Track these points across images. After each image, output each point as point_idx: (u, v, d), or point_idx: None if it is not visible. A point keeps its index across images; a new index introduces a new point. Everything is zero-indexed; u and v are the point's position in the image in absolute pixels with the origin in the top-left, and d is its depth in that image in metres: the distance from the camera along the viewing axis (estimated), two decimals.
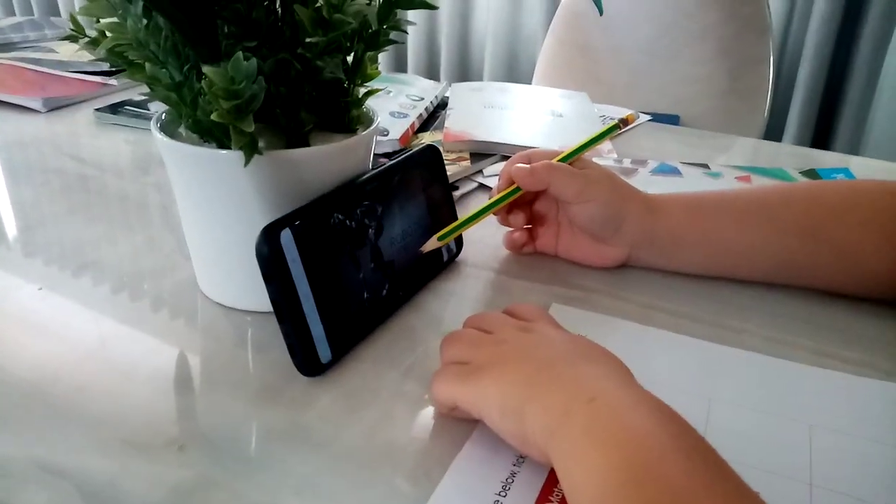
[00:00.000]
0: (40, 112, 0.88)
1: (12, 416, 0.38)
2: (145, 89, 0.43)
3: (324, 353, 0.41)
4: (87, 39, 0.42)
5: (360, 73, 0.46)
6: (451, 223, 0.52)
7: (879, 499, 0.33)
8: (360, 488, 0.34)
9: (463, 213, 0.53)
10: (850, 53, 1.57)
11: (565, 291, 0.51)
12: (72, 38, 0.43)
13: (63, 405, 0.38)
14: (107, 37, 0.40)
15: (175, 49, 0.40)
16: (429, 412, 0.39)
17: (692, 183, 0.71)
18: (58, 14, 2.49)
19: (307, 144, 0.44)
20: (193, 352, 0.44)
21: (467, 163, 0.72)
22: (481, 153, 0.75)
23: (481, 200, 0.66)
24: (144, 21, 0.39)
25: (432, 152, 0.52)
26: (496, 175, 0.70)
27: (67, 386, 0.40)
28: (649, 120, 0.94)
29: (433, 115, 0.89)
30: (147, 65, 0.40)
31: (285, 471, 0.34)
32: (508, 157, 0.64)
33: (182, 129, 0.45)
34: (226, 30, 0.41)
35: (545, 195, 0.56)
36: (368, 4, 0.41)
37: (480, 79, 2.00)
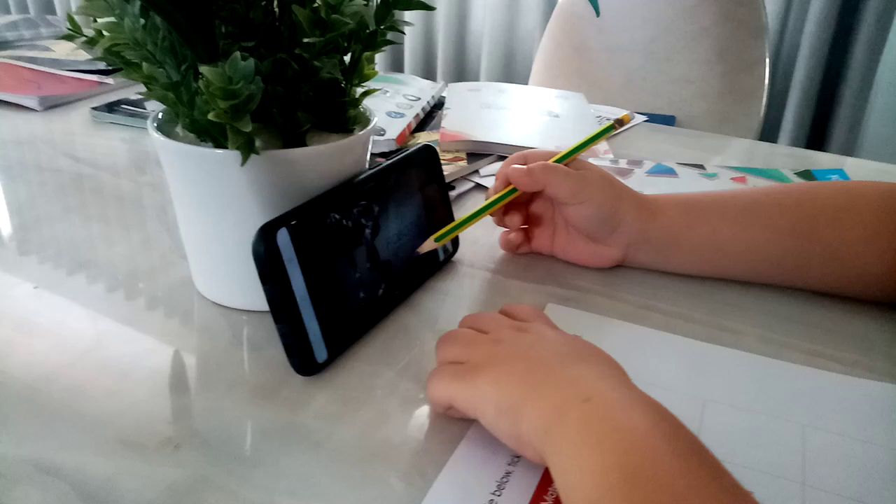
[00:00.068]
0: (36, 110, 0.88)
1: (7, 416, 0.38)
2: (142, 88, 0.43)
3: (320, 352, 0.41)
4: (84, 39, 0.42)
5: (358, 73, 0.46)
6: (447, 223, 0.52)
7: (872, 498, 0.34)
8: (356, 487, 0.34)
9: (459, 212, 0.54)
10: (845, 55, 1.58)
11: (561, 291, 0.52)
12: (69, 38, 0.43)
13: (58, 404, 0.38)
14: (104, 36, 0.40)
15: (172, 49, 0.40)
16: (424, 412, 0.39)
17: (688, 184, 0.72)
18: (54, 12, 2.49)
19: (304, 144, 0.44)
20: (189, 351, 0.44)
21: (464, 163, 0.72)
22: (478, 153, 0.75)
23: (478, 200, 0.66)
24: (142, 21, 0.39)
25: (429, 152, 0.52)
26: (492, 175, 0.70)
27: (63, 385, 0.40)
28: (645, 121, 0.94)
29: (430, 115, 0.89)
30: (144, 64, 0.40)
31: (281, 470, 0.34)
32: (505, 158, 0.64)
33: (179, 129, 0.45)
34: (223, 29, 0.41)
35: (541, 196, 0.56)
36: (366, 5, 0.41)
37: (477, 79, 2.01)
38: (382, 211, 0.46)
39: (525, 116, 0.88)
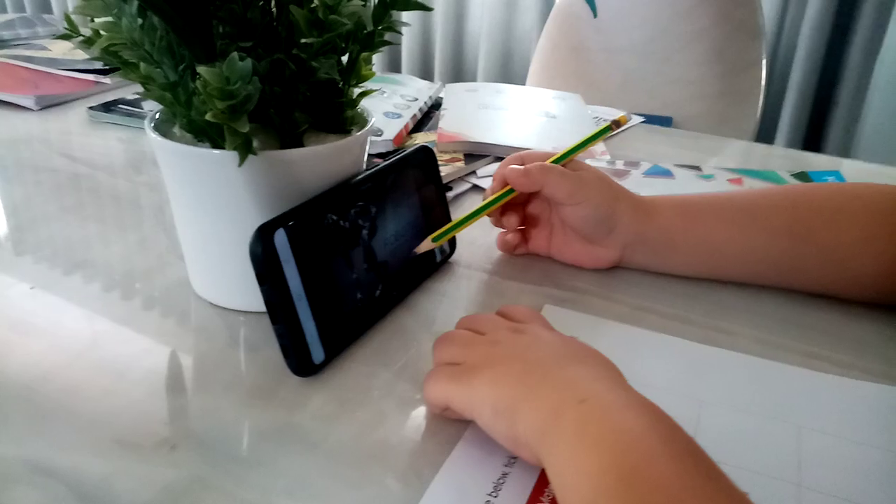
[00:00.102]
0: (33, 110, 0.88)
1: (4, 416, 0.38)
2: (139, 88, 0.43)
3: (317, 353, 0.41)
4: (81, 38, 0.42)
5: (355, 73, 0.46)
6: (444, 224, 0.52)
7: (867, 500, 0.34)
8: (352, 488, 0.34)
9: (456, 213, 0.54)
10: (841, 57, 1.58)
11: (557, 293, 0.52)
12: (66, 37, 0.43)
13: (55, 404, 0.38)
14: (101, 36, 0.40)
15: (170, 49, 0.40)
16: (421, 412, 0.39)
17: (684, 185, 0.72)
18: (50, 11, 2.48)
19: (301, 145, 0.44)
20: (186, 352, 0.44)
21: (461, 163, 0.72)
22: (475, 154, 0.76)
23: (475, 201, 0.66)
24: (139, 20, 0.39)
25: (426, 153, 0.52)
26: (490, 176, 0.70)
27: (59, 385, 0.40)
28: (642, 122, 0.94)
29: (427, 116, 0.89)
30: (142, 64, 0.40)
31: (277, 471, 0.34)
32: (502, 159, 0.64)
33: (176, 129, 0.45)
34: (221, 30, 0.41)
35: (538, 196, 0.56)
36: (364, 5, 0.41)
37: (474, 79, 2.01)
38: (380, 212, 0.46)
39: (522, 117, 0.88)
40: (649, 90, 1.35)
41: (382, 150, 0.74)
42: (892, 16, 1.51)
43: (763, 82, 1.28)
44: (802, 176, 0.74)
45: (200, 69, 0.35)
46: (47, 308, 0.47)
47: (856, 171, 0.78)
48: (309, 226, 0.41)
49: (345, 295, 0.43)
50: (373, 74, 0.47)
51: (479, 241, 0.58)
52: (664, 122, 1.31)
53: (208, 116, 0.36)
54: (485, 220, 0.55)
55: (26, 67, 1.01)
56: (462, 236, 0.55)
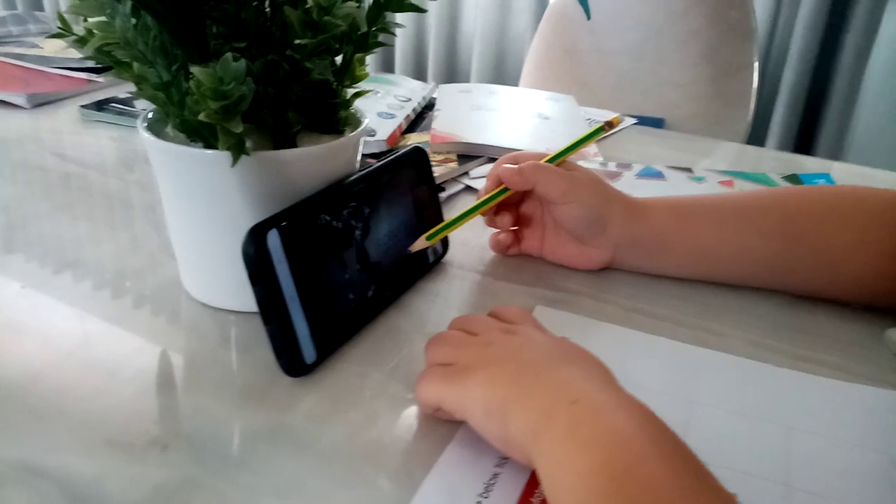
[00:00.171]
0: (24, 108, 0.88)
1: None
2: (131, 87, 0.43)
3: (308, 353, 0.41)
4: (74, 37, 0.42)
5: (349, 74, 0.46)
6: (437, 224, 0.52)
7: (855, 500, 0.34)
8: (344, 489, 0.34)
9: (449, 214, 0.54)
10: (833, 60, 1.59)
11: (550, 293, 0.52)
12: (59, 36, 0.43)
13: (45, 405, 0.38)
14: (94, 35, 0.39)
15: (163, 48, 0.40)
16: (413, 413, 0.39)
17: (676, 187, 0.72)
18: (41, 9, 2.47)
19: (295, 145, 0.44)
20: (177, 351, 0.43)
21: (454, 164, 0.72)
22: (468, 155, 0.76)
23: (467, 202, 0.66)
24: (133, 20, 0.39)
25: (419, 154, 0.52)
26: (483, 177, 0.71)
27: (50, 385, 0.40)
28: (635, 123, 0.95)
29: (420, 116, 0.89)
30: (135, 64, 0.40)
31: (268, 471, 0.35)
32: (495, 160, 0.64)
33: (169, 129, 0.45)
34: (215, 30, 0.41)
35: (531, 196, 0.56)
36: (358, 7, 0.41)
37: (467, 80, 2.01)
38: (373, 212, 0.46)
39: (515, 118, 0.88)
40: (642, 92, 1.36)
41: (376, 150, 0.74)
42: (883, 20, 1.52)
43: (755, 84, 1.28)
44: (793, 178, 0.75)
45: (194, 69, 0.35)
46: (38, 307, 0.47)
47: (846, 173, 0.79)
48: (302, 226, 0.41)
49: (337, 295, 0.43)
50: (366, 75, 0.47)
51: (471, 242, 0.58)
52: (656, 123, 1.32)
53: (202, 117, 0.36)
54: (477, 221, 0.55)
55: (18, 65, 1.01)
56: (455, 237, 0.55)
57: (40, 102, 0.89)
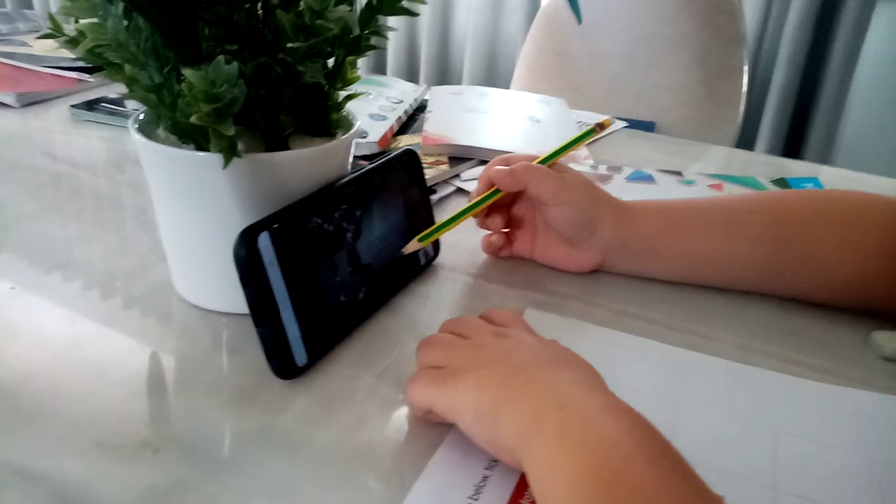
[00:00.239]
0: (14, 107, 0.87)
1: None
2: (122, 87, 0.42)
3: (300, 356, 0.41)
4: (65, 38, 0.42)
5: (341, 77, 0.46)
6: (428, 227, 0.52)
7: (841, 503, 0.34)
8: (334, 491, 0.34)
9: (440, 216, 0.54)
10: (821, 64, 1.60)
11: (540, 296, 0.52)
12: (50, 36, 0.43)
13: (35, 407, 0.38)
14: (86, 37, 0.39)
15: (155, 50, 0.40)
16: (403, 415, 0.39)
17: (666, 190, 0.72)
18: (31, 7, 2.45)
19: (286, 148, 0.44)
20: (168, 353, 0.43)
21: (445, 166, 0.72)
22: (459, 157, 0.76)
23: (459, 204, 0.66)
24: (125, 22, 0.39)
25: (410, 157, 0.52)
26: (474, 179, 0.71)
27: (40, 387, 0.40)
28: (625, 126, 0.95)
29: (412, 118, 0.89)
30: (126, 66, 0.40)
31: (259, 474, 0.35)
32: (486, 162, 0.65)
33: (160, 130, 0.45)
34: (206, 32, 0.41)
35: (523, 198, 0.56)
36: (350, 10, 0.41)
37: (459, 81, 2.01)
38: (364, 215, 0.46)
39: (507, 121, 0.88)
40: (633, 95, 1.36)
41: (367, 152, 0.74)
42: (871, 24, 1.54)
43: (744, 88, 1.29)
44: (781, 182, 0.75)
45: (186, 72, 0.35)
46: (28, 309, 0.47)
47: (834, 177, 0.80)
48: (293, 229, 0.41)
49: (328, 298, 0.43)
50: (358, 78, 0.47)
51: (462, 245, 0.59)
52: (647, 126, 1.32)
53: (193, 119, 0.36)
54: (468, 224, 0.56)
55: (7, 64, 1.00)
56: (446, 239, 0.55)
57: (30, 102, 0.89)
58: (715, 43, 1.30)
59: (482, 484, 0.34)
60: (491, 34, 1.93)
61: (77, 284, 0.50)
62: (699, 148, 0.90)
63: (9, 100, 0.87)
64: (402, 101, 0.89)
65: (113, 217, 0.61)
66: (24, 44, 1.11)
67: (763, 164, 0.86)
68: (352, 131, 0.47)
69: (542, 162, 0.54)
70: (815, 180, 0.76)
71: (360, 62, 0.48)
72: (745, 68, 1.28)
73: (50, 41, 0.42)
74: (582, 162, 0.79)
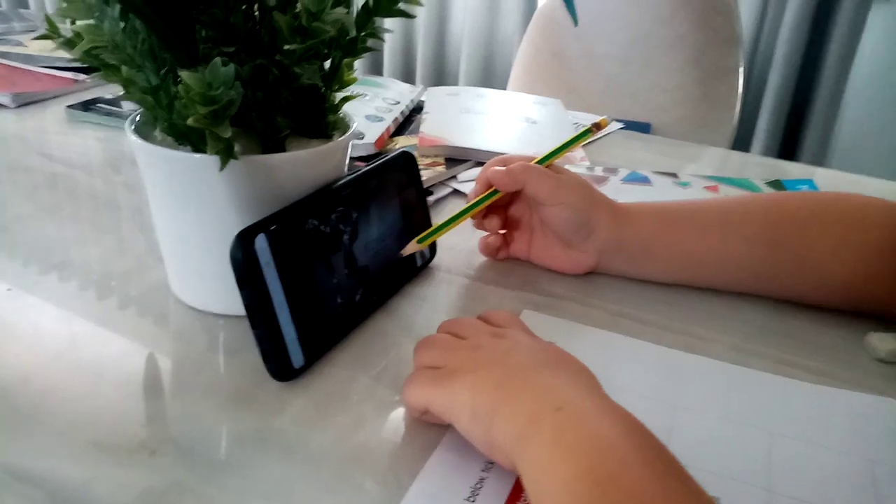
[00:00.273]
0: (9, 108, 0.87)
1: None
2: (119, 87, 0.42)
3: (296, 358, 0.41)
4: (62, 39, 0.42)
5: (338, 79, 0.46)
6: (425, 228, 0.52)
7: None
8: (331, 493, 0.34)
9: (437, 218, 0.54)
10: (817, 65, 1.61)
11: (537, 298, 0.52)
12: (46, 38, 0.43)
13: (32, 408, 0.38)
14: (83, 38, 0.39)
15: (152, 52, 0.40)
16: (400, 417, 0.39)
17: (662, 192, 0.73)
18: (27, 6, 2.45)
19: (283, 149, 0.44)
20: (165, 355, 0.43)
21: (442, 168, 0.73)
22: (456, 158, 0.76)
23: (455, 205, 0.67)
24: (121, 24, 0.39)
25: (407, 158, 0.52)
26: (470, 181, 0.71)
27: (36, 389, 0.40)
28: (621, 128, 0.95)
29: (409, 119, 0.89)
30: (123, 68, 0.40)
31: (256, 475, 0.35)
32: (483, 164, 0.65)
33: (157, 132, 0.45)
34: (203, 34, 0.41)
35: (520, 199, 0.57)
36: (347, 12, 0.41)
37: (456, 82, 2.01)
38: (361, 216, 0.46)
39: (503, 122, 0.89)
40: (629, 96, 1.37)
41: (364, 153, 0.74)
42: (866, 26, 1.54)
43: (740, 89, 1.30)
44: (777, 184, 0.76)
45: (183, 74, 0.35)
46: (24, 310, 0.47)
47: (829, 179, 0.80)
48: (290, 231, 0.41)
49: (325, 300, 0.43)
50: (355, 80, 0.47)
51: (459, 246, 0.59)
52: (643, 127, 1.33)
53: (190, 122, 0.36)
54: (465, 225, 0.56)
55: (3, 64, 1.00)
56: (442, 241, 0.56)
57: (26, 102, 0.89)
58: (711, 44, 1.30)
59: (479, 486, 0.34)
60: (487, 35, 1.93)
61: (73, 285, 0.50)
62: (695, 149, 0.91)
63: (4, 100, 0.87)
64: (398, 103, 0.89)
65: (109, 218, 0.61)
66: (19, 44, 1.11)
67: (758, 166, 0.86)
68: (348, 133, 0.47)
69: (540, 162, 0.55)
70: (810, 182, 0.77)
71: (357, 63, 0.48)
72: (741, 69, 1.29)
73: (46, 41, 0.42)
74: (578, 163, 0.79)
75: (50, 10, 2.36)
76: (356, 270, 0.46)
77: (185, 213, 0.44)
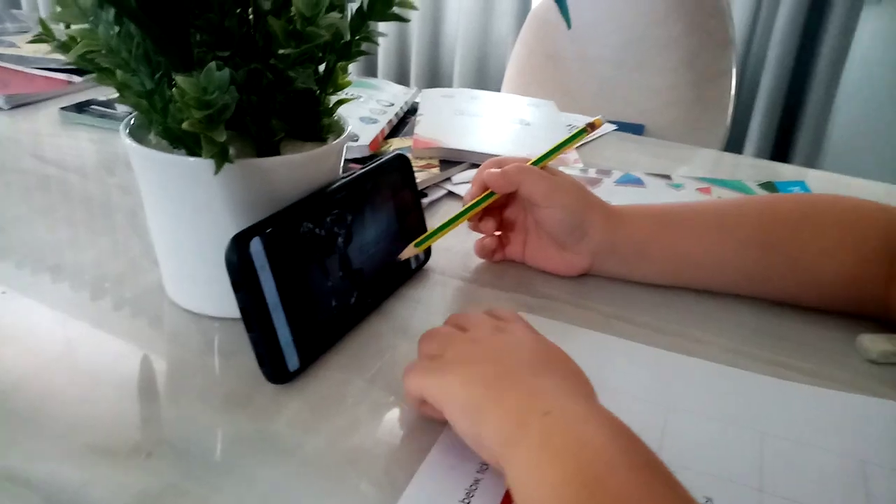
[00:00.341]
0: (2, 109, 0.87)
1: None
2: (113, 89, 0.42)
3: (291, 360, 0.41)
4: (56, 43, 0.42)
5: (332, 82, 0.46)
6: (419, 230, 0.53)
7: None
8: (327, 495, 0.34)
9: (431, 220, 0.54)
10: (809, 68, 1.62)
11: (531, 300, 0.52)
12: (40, 41, 0.43)
13: (27, 412, 0.38)
14: (77, 42, 0.39)
15: (146, 56, 0.40)
16: (395, 419, 0.39)
17: (655, 193, 0.73)
18: (19, 6, 2.44)
19: (278, 153, 0.44)
20: (160, 358, 0.43)
21: (436, 170, 0.73)
22: (450, 160, 0.76)
23: (450, 207, 0.67)
24: (116, 28, 0.39)
25: (401, 161, 0.52)
26: (465, 182, 0.71)
27: (32, 392, 0.40)
28: (615, 129, 0.96)
29: (403, 121, 0.89)
30: (118, 71, 0.40)
31: (252, 478, 0.35)
32: (477, 166, 0.65)
33: (151, 135, 0.45)
34: (198, 38, 0.41)
35: (515, 201, 0.57)
36: (341, 17, 0.41)
37: (450, 84, 2.01)
38: (355, 219, 0.46)
39: (497, 124, 0.89)
40: (622, 98, 1.37)
41: (358, 155, 0.74)
42: (857, 28, 1.55)
43: (733, 91, 1.30)
44: (769, 186, 0.76)
45: (178, 78, 0.35)
46: (20, 313, 0.47)
47: (821, 181, 0.80)
48: (285, 234, 0.41)
49: (320, 302, 0.43)
50: (349, 83, 0.47)
51: (454, 248, 0.59)
52: (636, 129, 1.33)
53: (185, 126, 0.36)
54: (460, 228, 0.56)
55: None
56: (437, 244, 0.56)
57: (19, 103, 0.89)
58: (704, 46, 1.31)
59: (474, 487, 0.35)
60: (481, 37, 1.94)
61: (67, 288, 0.50)
62: (688, 151, 0.91)
63: None
64: (392, 104, 0.89)
65: (103, 220, 0.61)
66: (12, 45, 1.11)
67: (751, 168, 0.86)
68: (343, 136, 0.47)
69: (535, 163, 0.55)
70: (801, 184, 0.77)
71: (351, 66, 0.48)
72: (734, 72, 1.29)
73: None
74: (572, 165, 0.80)
75: (42, 10, 2.35)
76: (351, 273, 0.46)
77: (180, 216, 0.44)
